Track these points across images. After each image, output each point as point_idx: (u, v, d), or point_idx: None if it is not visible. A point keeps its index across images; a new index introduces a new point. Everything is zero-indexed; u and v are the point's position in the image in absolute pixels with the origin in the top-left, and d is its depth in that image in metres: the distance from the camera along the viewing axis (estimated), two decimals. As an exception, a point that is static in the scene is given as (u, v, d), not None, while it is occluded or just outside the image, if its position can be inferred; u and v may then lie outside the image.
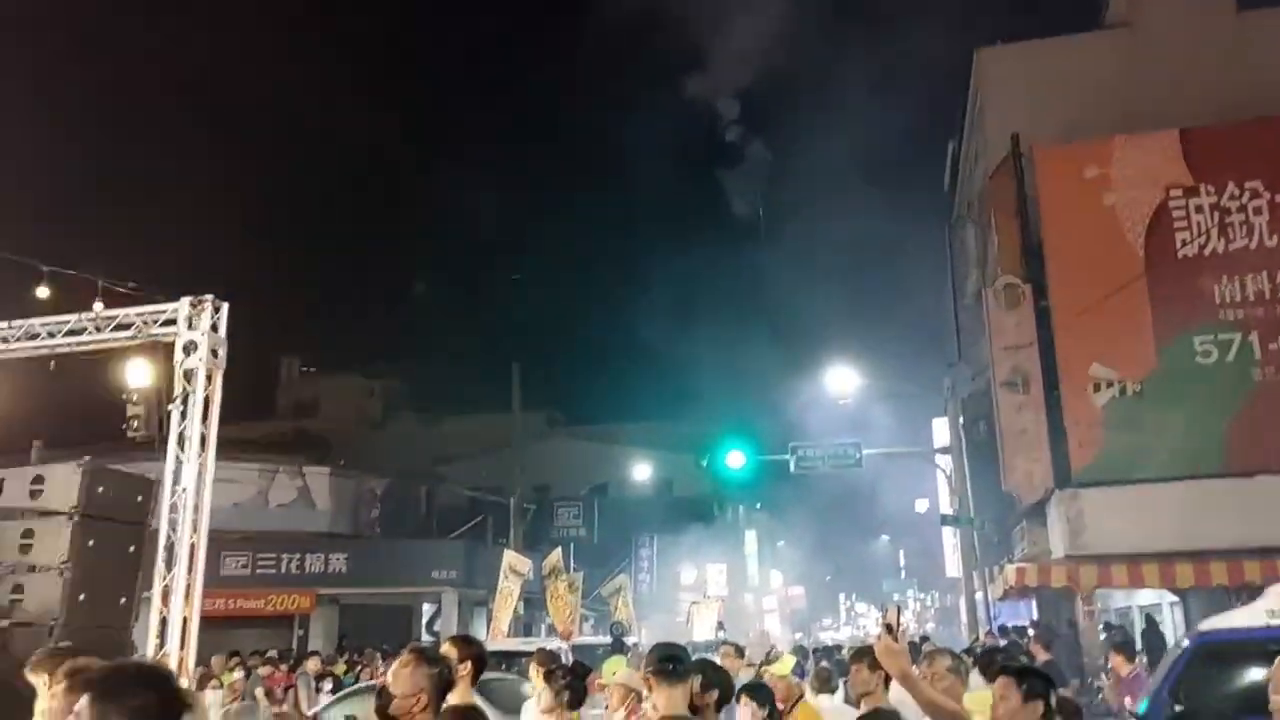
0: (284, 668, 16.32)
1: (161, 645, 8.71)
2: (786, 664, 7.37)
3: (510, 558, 18.37)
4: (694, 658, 4.85)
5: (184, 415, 9.39)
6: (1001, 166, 18.06)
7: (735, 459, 20.60)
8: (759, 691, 6.33)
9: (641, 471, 35.43)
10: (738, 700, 5.99)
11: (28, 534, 8.30)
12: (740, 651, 8.93)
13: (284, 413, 41.94)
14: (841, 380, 20.58)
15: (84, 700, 2.32)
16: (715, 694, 5.10)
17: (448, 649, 4.58)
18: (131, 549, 8.89)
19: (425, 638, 24.94)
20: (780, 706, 6.67)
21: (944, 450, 21.82)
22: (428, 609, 28.44)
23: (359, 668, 17.03)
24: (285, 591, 25.66)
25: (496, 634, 17.69)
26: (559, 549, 19.57)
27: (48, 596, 8.06)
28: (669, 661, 4.34)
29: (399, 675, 3.52)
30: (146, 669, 2.72)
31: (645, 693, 4.84)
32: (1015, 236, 17.37)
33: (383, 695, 3.57)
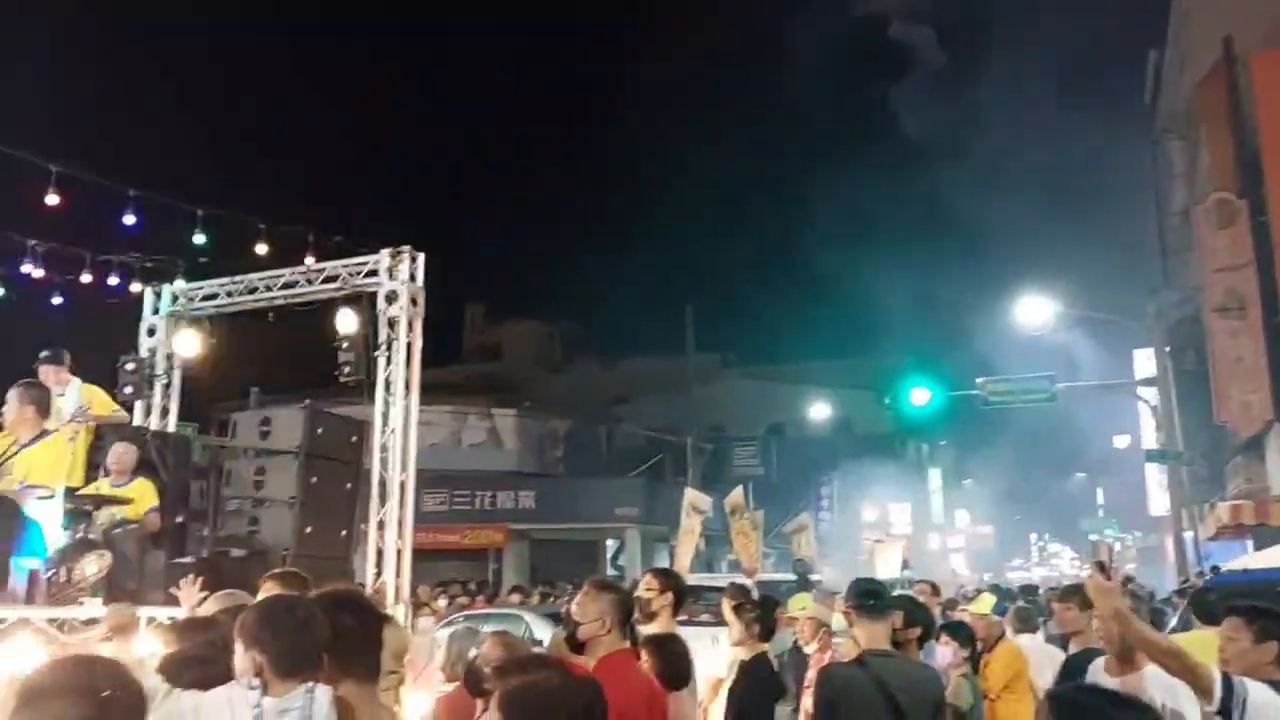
0: (480, 598, 17.39)
1: (379, 574, 9.42)
2: (986, 602, 7.22)
3: (691, 496, 18.64)
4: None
5: (389, 361, 9.99)
6: (1211, 74, 16.56)
7: (919, 395, 20.07)
8: (960, 630, 6.25)
9: (820, 410, 35.03)
10: (937, 638, 5.95)
11: (259, 471, 9.11)
12: (937, 589, 8.81)
13: (471, 358, 43.76)
14: (1033, 309, 19.54)
15: None
16: (917, 631, 5.08)
17: (649, 582, 4.74)
18: (348, 485, 9.60)
19: (610, 572, 25.84)
20: (979, 645, 6.57)
21: (1148, 382, 20.48)
22: (611, 544, 29.40)
23: (551, 599, 17.86)
24: (479, 527, 27.08)
25: (680, 570, 18.07)
26: (740, 488, 19.70)
27: (279, 528, 8.85)
28: (870, 596, 4.34)
29: (583, 604, 3.76)
30: (345, 593, 3.03)
31: (845, 626, 4.87)
32: (1228, 149, 15.96)
33: (569, 624, 3.82)
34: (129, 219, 10.71)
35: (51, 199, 10.20)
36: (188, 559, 8.12)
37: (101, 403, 8.47)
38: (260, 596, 3.99)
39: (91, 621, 5.93)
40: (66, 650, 4.67)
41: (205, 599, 4.48)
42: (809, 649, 6.25)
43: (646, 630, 4.46)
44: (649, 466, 30.52)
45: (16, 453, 6.26)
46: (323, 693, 2.60)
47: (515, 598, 15.95)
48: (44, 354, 7.84)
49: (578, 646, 3.73)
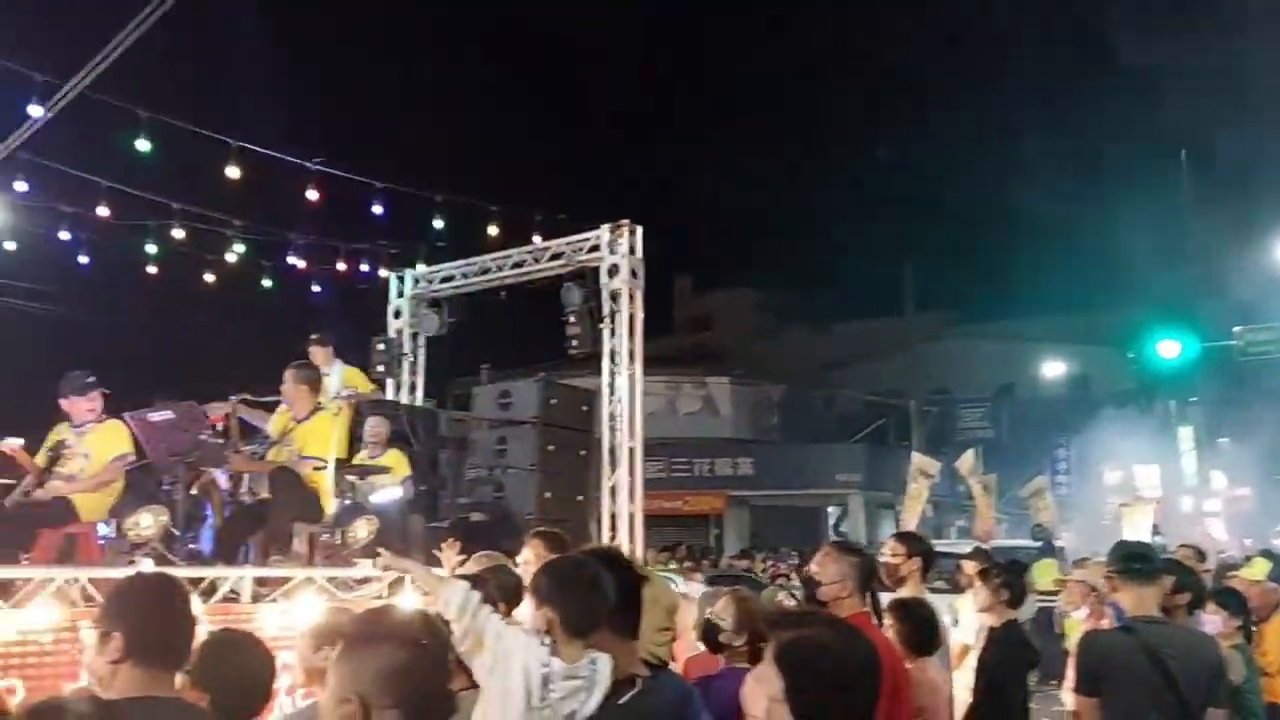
0: (705, 563, 17.74)
1: (613, 537, 9.79)
2: (1260, 567, 6.64)
3: (919, 460, 18.14)
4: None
5: (613, 333, 10.30)
6: None
7: (1168, 348, 18.56)
8: (1231, 598, 5.78)
9: (1054, 368, 33.06)
10: (1203, 606, 5.53)
11: (501, 441, 9.64)
12: (1202, 555, 8.17)
13: (681, 328, 44.22)
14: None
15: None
16: (1186, 597, 4.74)
17: (894, 547, 4.68)
18: (582, 453, 9.99)
19: (832, 538, 25.61)
20: (1252, 615, 6.06)
21: None
22: (833, 511, 29.11)
23: (771, 564, 18.06)
24: (699, 493, 27.52)
25: (906, 535, 17.62)
26: (972, 450, 18.96)
27: (522, 493, 9.34)
28: (1137, 559, 4.09)
29: (823, 565, 3.80)
30: (608, 550, 3.15)
31: (1108, 591, 4.62)
32: None
33: (809, 584, 3.85)
34: (377, 209, 11.56)
35: (311, 195, 11.17)
36: (442, 523, 8.75)
37: (362, 381, 9.25)
38: (525, 555, 4.25)
39: (364, 580, 6.48)
40: (346, 606, 5.12)
41: (465, 560, 4.79)
42: (1078, 614, 5.97)
43: (894, 595, 4.41)
44: (871, 431, 29.93)
45: (293, 428, 6.90)
46: (604, 662, 2.69)
47: (744, 563, 16.20)
48: (313, 337, 8.63)
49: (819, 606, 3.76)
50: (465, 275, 11.86)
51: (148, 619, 2.47)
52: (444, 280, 12.14)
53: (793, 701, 1.92)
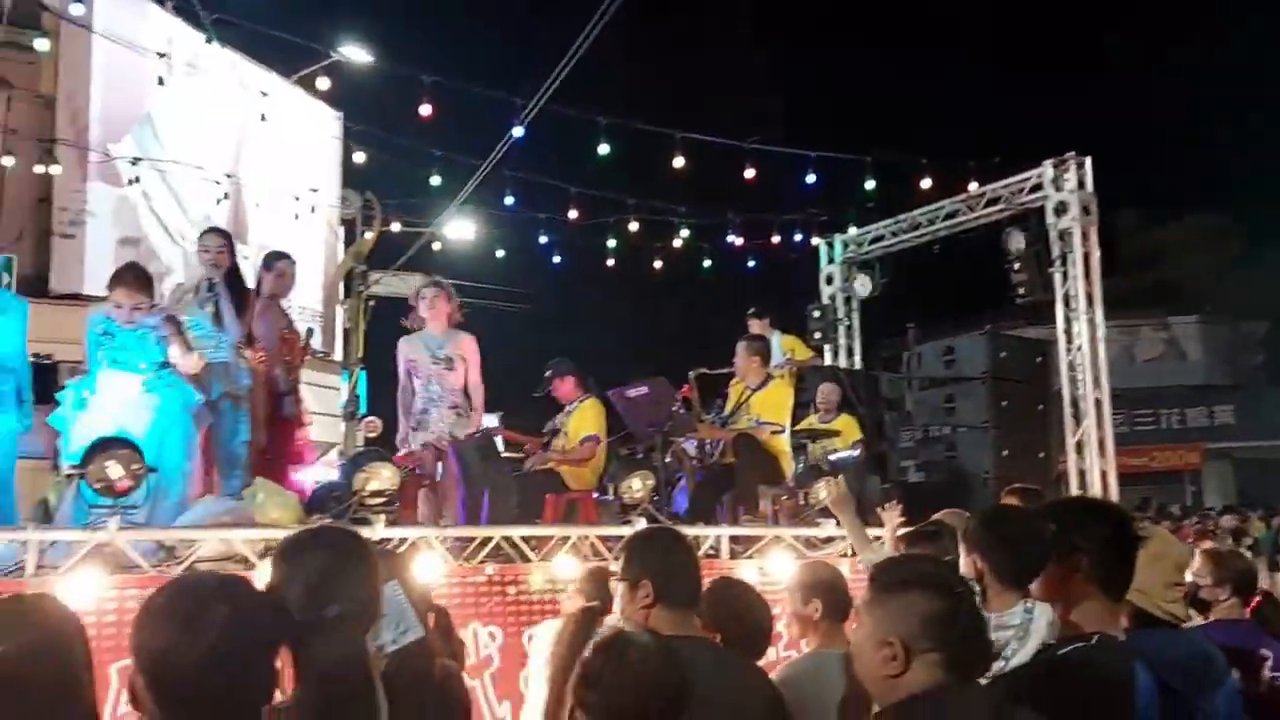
0: (1186, 524, 15.95)
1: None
2: None
3: None
4: None
5: (1065, 277, 9.57)
6: None
7: None
8: None
9: None
10: None
11: (948, 399, 9.40)
12: None
13: (1131, 266, 39.86)
14: None
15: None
16: None
17: None
18: (1039, 407, 9.42)
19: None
20: None
21: None
22: (1341, 463, 24.85)
23: (1196, 523, 15.94)
24: (1168, 447, 25.02)
25: None
26: None
27: (976, 453, 9.02)
28: None
29: None
30: (1090, 501, 2.90)
31: None
32: None
33: None
34: (810, 179, 11.71)
35: (748, 173, 11.59)
36: (887, 485, 8.71)
37: (800, 348, 9.49)
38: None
39: (829, 540, 6.64)
40: (825, 561, 5.26)
41: (904, 522, 4.69)
42: None
43: None
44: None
45: (748, 396, 7.28)
46: (1041, 611, 2.52)
47: (1232, 521, 14.38)
48: (750, 311, 9.02)
49: None
50: (895, 234, 11.66)
51: (670, 566, 2.74)
52: (874, 241, 12.03)
53: None
